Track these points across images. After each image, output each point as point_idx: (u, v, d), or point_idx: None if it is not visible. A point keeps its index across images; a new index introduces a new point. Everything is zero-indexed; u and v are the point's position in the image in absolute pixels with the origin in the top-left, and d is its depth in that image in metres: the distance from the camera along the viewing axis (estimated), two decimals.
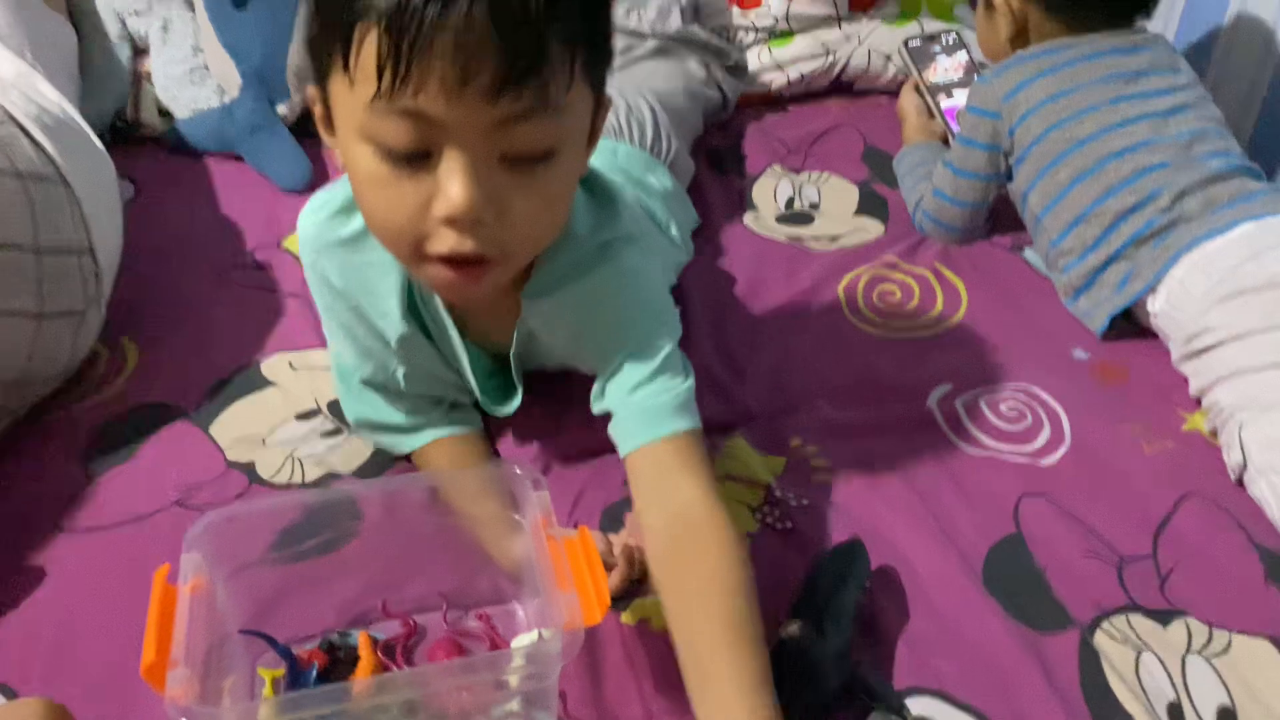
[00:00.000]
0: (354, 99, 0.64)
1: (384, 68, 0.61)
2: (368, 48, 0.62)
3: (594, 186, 0.84)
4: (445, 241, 0.67)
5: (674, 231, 1.14)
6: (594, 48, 0.68)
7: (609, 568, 0.82)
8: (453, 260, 0.69)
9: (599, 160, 0.87)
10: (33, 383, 0.97)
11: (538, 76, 0.62)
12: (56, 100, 1.06)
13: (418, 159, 0.64)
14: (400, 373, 0.89)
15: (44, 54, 1.15)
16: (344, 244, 0.81)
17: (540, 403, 0.98)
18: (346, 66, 0.63)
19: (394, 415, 0.92)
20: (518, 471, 0.77)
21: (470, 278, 0.71)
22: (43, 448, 0.96)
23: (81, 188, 1.00)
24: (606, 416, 0.82)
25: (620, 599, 0.83)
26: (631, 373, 0.80)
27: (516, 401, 0.93)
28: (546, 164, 0.67)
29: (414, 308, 0.85)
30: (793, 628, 0.76)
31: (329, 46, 0.65)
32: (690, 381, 0.80)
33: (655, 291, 0.85)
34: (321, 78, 0.68)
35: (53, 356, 0.97)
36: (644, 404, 0.79)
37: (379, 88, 0.62)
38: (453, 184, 0.64)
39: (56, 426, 0.98)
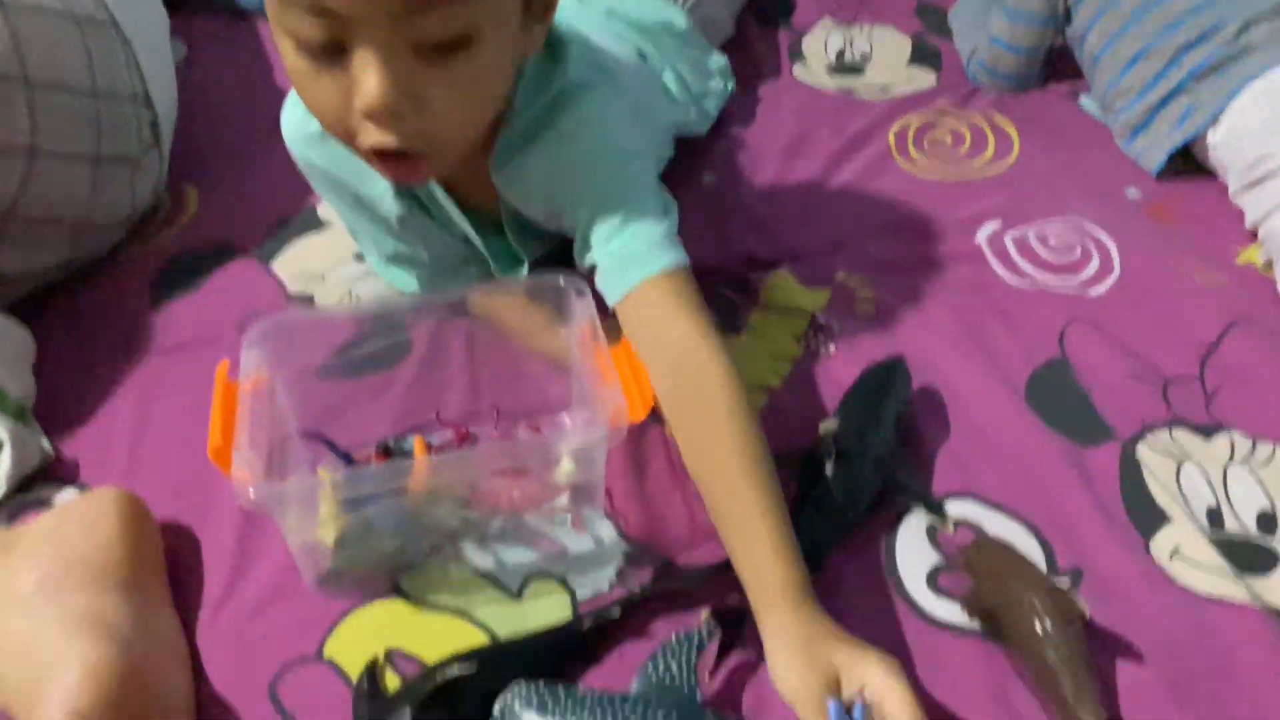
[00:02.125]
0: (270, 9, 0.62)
1: None
2: None
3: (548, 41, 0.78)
4: (370, 136, 0.65)
5: (671, 74, 1.09)
6: None
7: None
8: (382, 154, 0.66)
9: None
10: (95, 229, 1.00)
11: None
12: None
13: (333, 52, 0.61)
14: (417, 246, 0.89)
15: None
16: (324, 135, 0.74)
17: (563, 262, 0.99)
18: None
19: (422, 285, 0.93)
20: (561, 282, 0.78)
21: (405, 170, 0.69)
22: (112, 282, 1.00)
23: (136, 36, 1.02)
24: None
25: None
26: (605, 223, 0.76)
27: (527, 262, 0.92)
28: (465, 51, 0.62)
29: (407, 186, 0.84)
30: (830, 423, 0.77)
31: None
32: (670, 220, 0.77)
33: (618, 135, 0.79)
34: None
35: (112, 202, 0.99)
36: (621, 252, 0.76)
37: None
38: (365, 78, 0.61)
39: (124, 263, 1.02)
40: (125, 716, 0.59)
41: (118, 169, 0.98)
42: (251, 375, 0.71)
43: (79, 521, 0.70)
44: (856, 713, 0.58)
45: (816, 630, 0.63)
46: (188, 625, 0.71)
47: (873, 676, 0.59)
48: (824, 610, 0.64)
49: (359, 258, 1.03)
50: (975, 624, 0.70)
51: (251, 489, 0.63)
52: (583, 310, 0.76)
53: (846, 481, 0.75)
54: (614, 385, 0.70)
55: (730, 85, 1.21)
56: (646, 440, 0.83)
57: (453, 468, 0.70)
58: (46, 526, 0.71)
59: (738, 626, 0.68)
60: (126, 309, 0.97)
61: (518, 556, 0.75)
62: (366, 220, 0.88)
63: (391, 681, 0.67)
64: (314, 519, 0.71)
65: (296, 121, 0.83)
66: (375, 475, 0.68)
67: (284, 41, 0.63)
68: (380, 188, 0.83)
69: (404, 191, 0.84)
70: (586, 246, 0.78)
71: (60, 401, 0.87)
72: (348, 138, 0.66)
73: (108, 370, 0.90)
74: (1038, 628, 0.65)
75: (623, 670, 0.68)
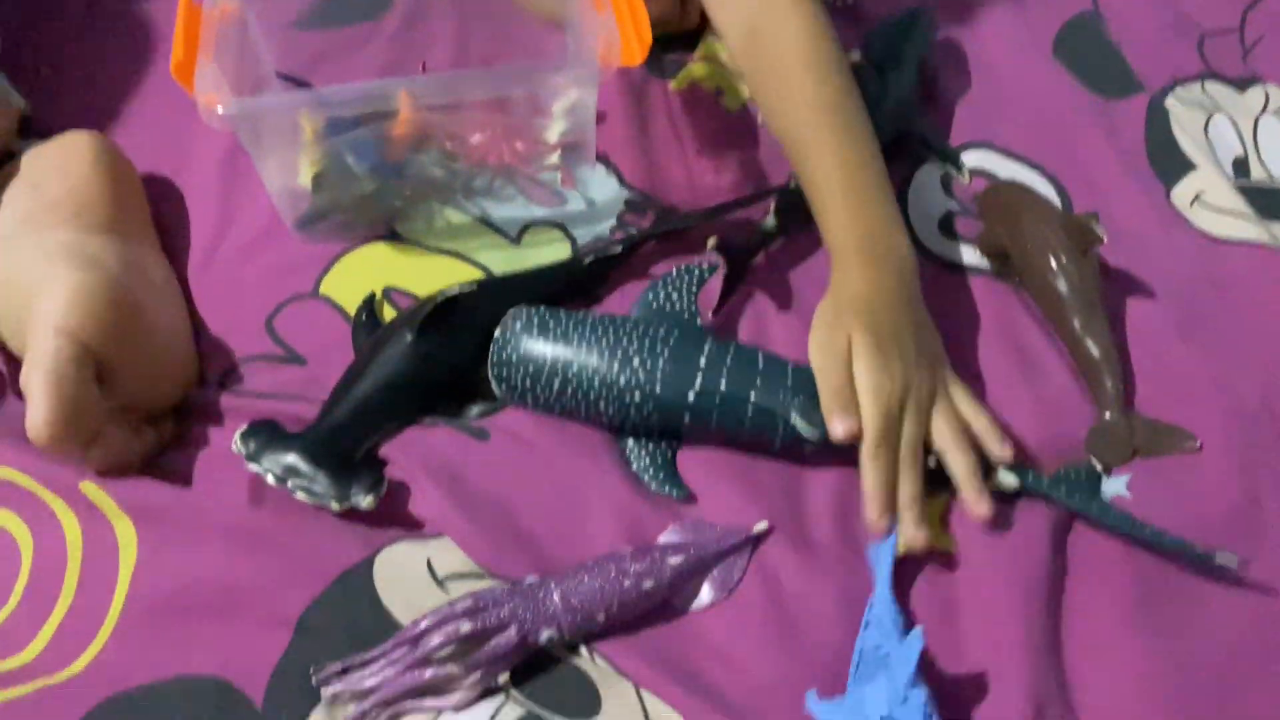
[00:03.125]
0: None
1: None
2: None
3: None
4: None
5: None
6: None
7: None
8: None
9: None
10: None
11: None
12: None
13: None
14: None
15: None
16: None
17: None
18: None
19: None
20: None
21: None
22: None
23: None
24: None
25: (671, 66, 0.80)
26: None
27: None
28: None
29: None
30: (853, 55, 0.73)
31: None
32: None
33: None
34: None
35: None
36: None
37: None
38: None
39: None
40: (116, 339, 0.57)
41: None
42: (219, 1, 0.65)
43: (53, 163, 0.67)
44: (888, 545, 0.55)
45: (876, 293, 0.59)
46: (180, 273, 0.69)
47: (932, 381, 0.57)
48: (911, 288, 0.61)
49: None
50: (986, 263, 0.68)
51: (220, 105, 0.58)
52: None
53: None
54: (607, 16, 0.65)
55: None
56: (648, 97, 0.78)
57: (435, 91, 0.65)
58: (19, 171, 0.67)
59: (743, 260, 0.66)
60: None
61: (510, 210, 0.72)
62: None
63: (389, 315, 0.66)
64: (292, 156, 0.67)
65: None
66: (358, 95, 0.63)
67: None
68: None
69: None
70: None
71: (21, 54, 0.81)
72: None
73: (69, 19, 0.84)
74: (1050, 260, 0.64)
75: (624, 308, 0.66)
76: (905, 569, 0.55)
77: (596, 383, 0.58)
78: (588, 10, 0.66)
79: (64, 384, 0.53)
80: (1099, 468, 0.59)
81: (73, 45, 0.82)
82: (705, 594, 0.54)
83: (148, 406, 0.60)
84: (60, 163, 0.66)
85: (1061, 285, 0.63)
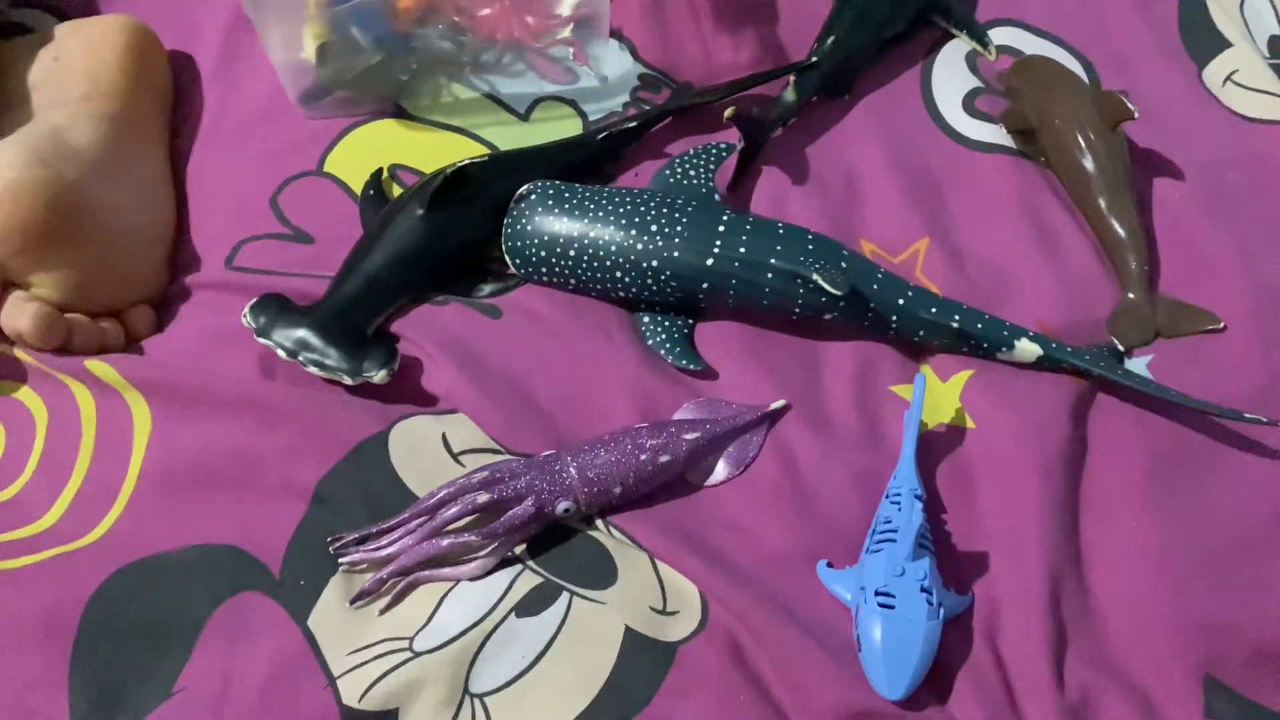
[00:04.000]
0: None
1: None
2: None
3: None
4: None
5: None
6: None
7: None
8: None
9: None
10: None
11: None
12: None
13: None
14: None
15: None
16: None
17: None
18: None
19: None
20: None
21: None
22: None
23: None
24: None
25: None
26: None
27: None
28: None
29: None
30: None
31: None
32: None
33: None
34: None
35: None
36: None
37: None
38: None
39: None
40: (49, 239, 0.55)
41: None
42: None
43: (83, 41, 0.64)
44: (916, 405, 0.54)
45: None
46: (185, 151, 0.67)
47: None
48: None
49: None
50: (1010, 142, 0.66)
51: None
52: None
53: None
54: None
55: None
56: None
57: None
58: (52, 39, 0.65)
59: (761, 134, 0.64)
60: None
61: (519, 85, 0.70)
62: None
63: (397, 192, 0.65)
64: (296, 27, 0.65)
65: None
66: None
67: None
68: None
69: None
70: None
71: None
72: None
73: None
74: (1079, 137, 0.62)
75: (640, 186, 0.65)
76: (926, 444, 0.54)
77: (614, 251, 0.57)
78: None
79: None
80: (1121, 348, 0.58)
81: None
82: (720, 470, 0.54)
83: (104, 305, 0.58)
84: (89, 42, 0.64)
85: (1088, 163, 0.62)
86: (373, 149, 0.66)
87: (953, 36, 0.72)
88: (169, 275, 0.62)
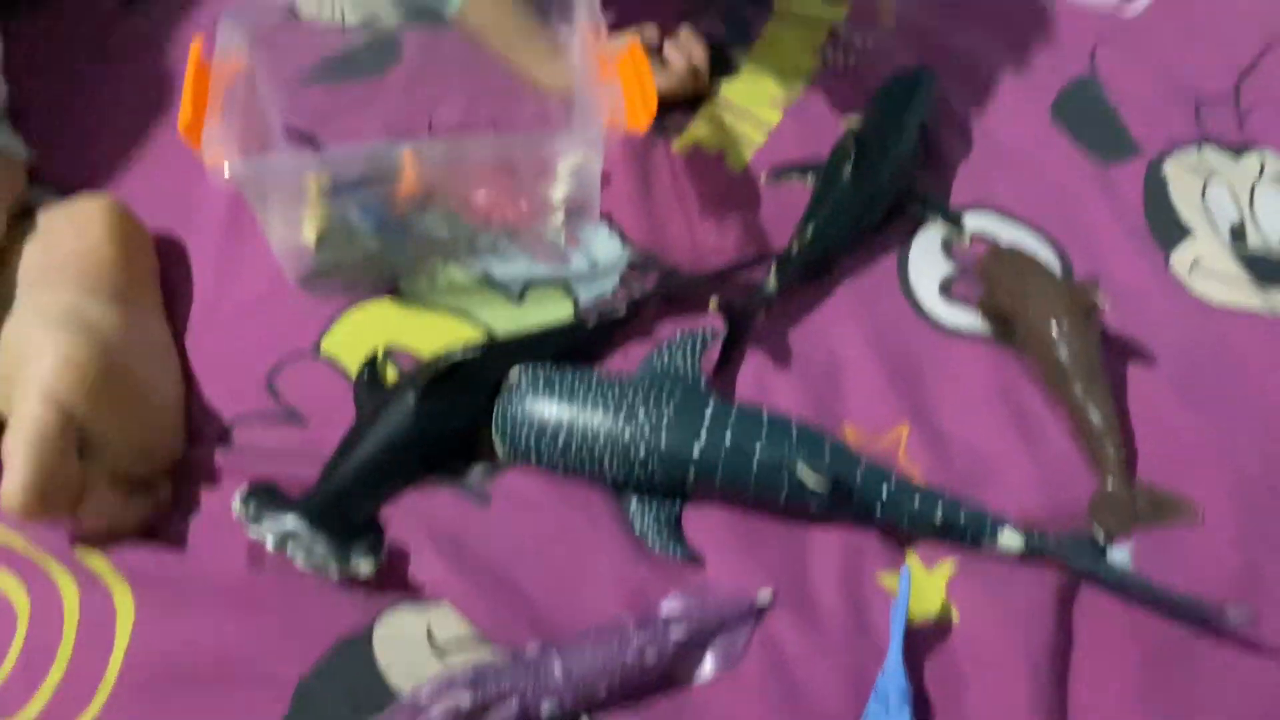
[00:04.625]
0: None
1: None
2: None
3: None
4: None
5: None
6: None
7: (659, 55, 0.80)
8: None
9: None
10: None
11: None
12: None
13: None
14: None
15: None
16: None
17: None
18: None
19: None
20: None
21: None
22: None
23: None
24: None
25: (674, 127, 0.80)
26: None
27: None
28: None
29: None
30: (854, 121, 0.74)
31: None
32: None
33: None
34: None
35: None
36: None
37: None
38: None
39: None
40: (105, 406, 0.56)
41: None
42: (230, 55, 0.66)
43: (68, 224, 0.67)
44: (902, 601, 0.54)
45: None
46: (179, 330, 0.69)
47: None
48: None
49: None
50: (986, 328, 0.68)
51: (226, 167, 0.59)
52: (585, 6, 0.70)
53: (865, 184, 0.72)
54: (614, 86, 0.65)
55: None
56: (651, 158, 0.79)
57: (440, 155, 0.65)
58: (34, 229, 0.67)
59: (745, 322, 0.66)
60: (95, 6, 0.89)
61: (513, 269, 0.72)
62: None
63: (391, 375, 0.66)
64: (296, 214, 0.67)
65: None
66: (363, 156, 0.64)
67: None
68: None
69: None
70: None
71: (31, 101, 0.81)
72: None
73: (78, 69, 0.84)
74: (1052, 328, 0.64)
75: (627, 368, 0.66)
76: (913, 640, 0.54)
77: (602, 438, 0.58)
78: (594, 78, 0.67)
79: (44, 455, 0.53)
80: (1101, 538, 0.59)
81: (82, 94, 0.82)
82: (708, 666, 0.54)
83: (138, 472, 0.59)
84: (74, 225, 0.66)
85: (1063, 352, 0.63)
86: (369, 330, 0.68)
87: (929, 221, 0.75)
88: (184, 437, 0.63)
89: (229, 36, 0.66)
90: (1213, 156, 0.79)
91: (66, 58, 0.85)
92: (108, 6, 0.89)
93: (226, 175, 0.59)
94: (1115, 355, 0.67)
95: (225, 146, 0.60)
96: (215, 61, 0.65)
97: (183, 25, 0.87)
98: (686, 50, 0.81)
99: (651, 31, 0.81)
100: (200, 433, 0.63)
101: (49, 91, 0.81)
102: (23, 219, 0.69)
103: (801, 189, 0.75)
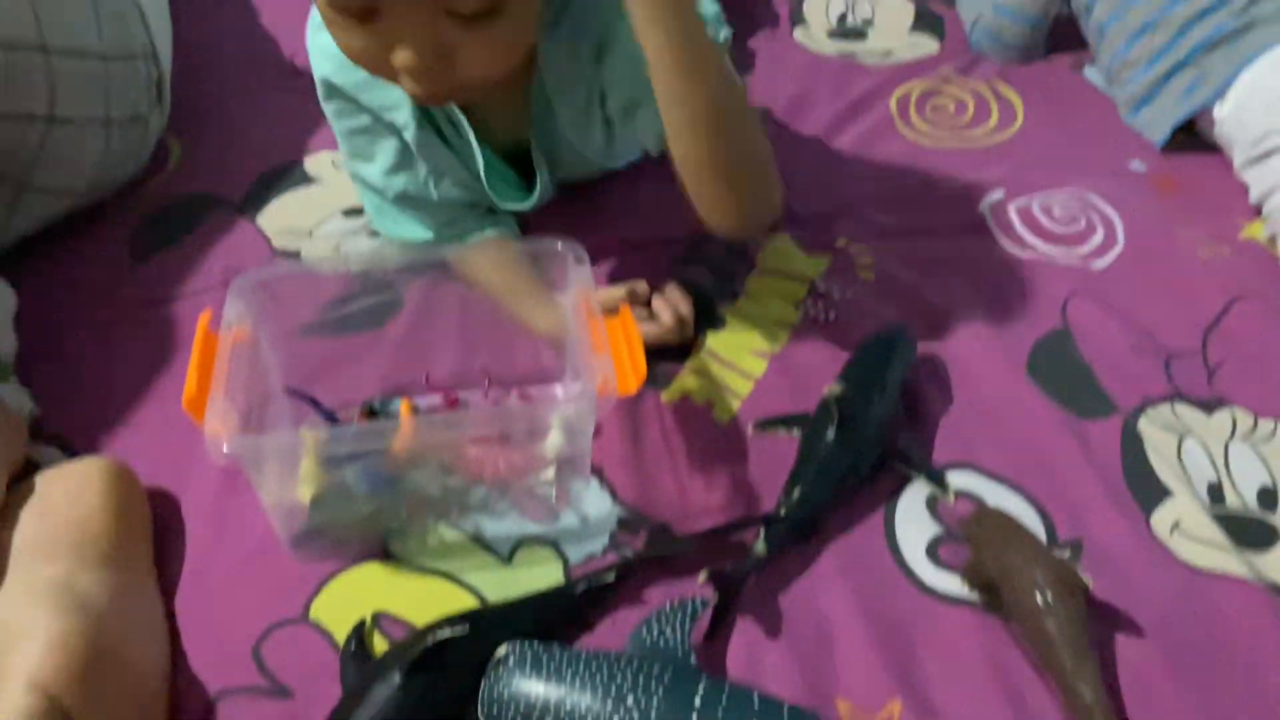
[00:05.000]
0: None
1: None
2: None
3: None
4: (406, 84, 0.70)
5: None
6: None
7: (645, 308, 0.85)
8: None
9: None
10: (104, 188, 0.97)
11: None
12: None
13: (368, 14, 0.66)
14: (429, 179, 0.87)
15: None
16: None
17: (574, 204, 0.97)
18: None
19: (427, 232, 0.90)
20: (559, 246, 0.76)
21: (442, 102, 0.77)
22: (92, 234, 0.97)
23: None
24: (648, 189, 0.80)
25: (663, 377, 0.83)
26: None
27: (538, 191, 0.90)
28: (492, 18, 0.67)
29: (427, 109, 0.83)
30: (836, 387, 0.76)
31: None
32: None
33: None
34: None
35: (121, 162, 0.97)
36: None
37: None
38: (401, 43, 0.66)
39: (104, 213, 0.99)
40: (94, 690, 0.56)
41: (128, 129, 0.96)
42: (234, 327, 0.69)
43: (64, 490, 0.68)
44: None
45: None
46: (169, 592, 0.69)
47: None
48: None
49: (348, 214, 1.00)
50: (974, 596, 0.69)
51: (225, 443, 0.60)
52: (580, 277, 0.74)
53: (848, 446, 0.73)
54: (605, 355, 0.68)
55: (725, 33, 1.18)
56: (640, 410, 0.81)
57: (438, 431, 0.67)
58: (31, 493, 0.68)
59: (734, 590, 0.67)
60: (107, 262, 0.94)
61: (503, 527, 0.73)
62: (380, 150, 0.86)
63: (379, 644, 0.66)
64: (292, 477, 0.69)
65: (322, 43, 0.81)
66: (359, 434, 0.66)
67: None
68: (402, 115, 0.83)
69: (424, 118, 0.84)
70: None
71: (39, 357, 0.84)
72: (379, 73, 0.71)
73: (87, 324, 0.87)
74: (1038, 599, 0.64)
75: (616, 636, 0.66)
76: None
77: None
78: (586, 351, 0.70)
79: None
80: None
81: (88, 349, 0.85)
82: None
83: None
84: (71, 491, 0.67)
85: (1050, 625, 0.64)
86: (358, 595, 0.68)
87: (913, 479, 0.76)
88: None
89: (235, 307, 0.69)
90: (1185, 413, 0.81)
91: (75, 311, 0.88)
92: (119, 260, 0.94)
93: (225, 451, 0.60)
94: (1102, 623, 0.67)
95: (227, 420, 0.62)
96: (221, 333, 0.67)
97: (191, 280, 0.92)
98: (673, 303, 0.84)
99: (642, 286, 0.85)
100: (184, 707, 0.62)
101: (55, 345, 0.84)
102: (23, 478, 0.70)
103: (788, 440, 0.77)
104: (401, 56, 0.67)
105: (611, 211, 0.98)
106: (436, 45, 0.67)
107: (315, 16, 0.82)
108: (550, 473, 0.75)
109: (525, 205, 0.91)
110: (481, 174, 0.87)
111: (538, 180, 0.90)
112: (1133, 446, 0.78)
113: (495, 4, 0.66)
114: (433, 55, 0.67)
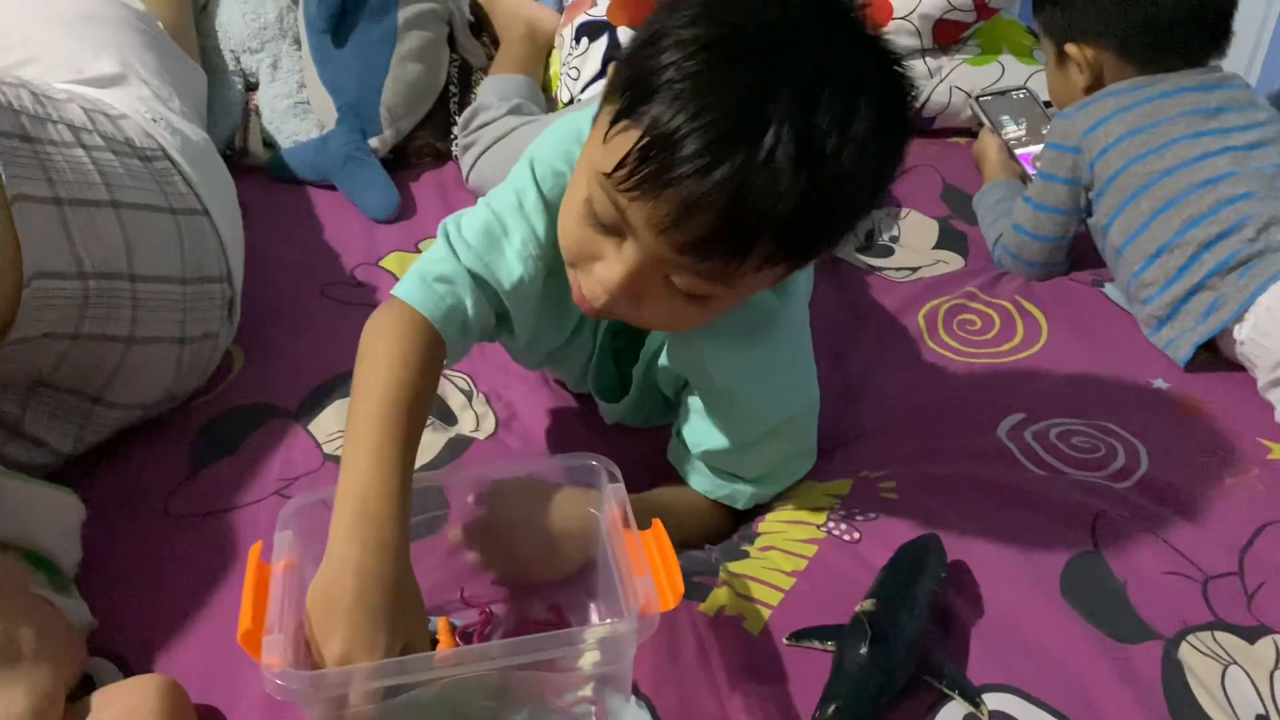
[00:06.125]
0: (595, 152, 0.70)
1: (620, 166, 0.66)
2: (623, 138, 0.66)
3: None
4: (585, 286, 0.75)
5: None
6: (800, 260, 0.74)
7: None
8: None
9: None
10: (172, 400, 1.03)
11: (728, 265, 0.68)
12: (196, 130, 1.12)
13: (614, 229, 0.71)
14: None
15: (184, 93, 1.22)
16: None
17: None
18: (607, 130, 0.68)
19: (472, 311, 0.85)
20: (594, 463, 0.79)
21: (600, 316, 0.80)
22: (152, 442, 1.01)
23: (220, 217, 1.06)
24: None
25: (698, 592, 0.84)
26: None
27: (632, 394, 0.95)
28: (697, 300, 0.73)
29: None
30: (868, 604, 0.77)
31: (611, 98, 0.69)
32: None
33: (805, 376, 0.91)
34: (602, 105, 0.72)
35: (191, 376, 1.03)
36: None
37: (610, 172, 0.67)
38: (612, 270, 0.72)
39: (166, 422, 1.03)
40: None
41: (200, 344, 1.02)
42: (284, 556, 0.71)
43: (119, 712, 0.70)
44: None
45: None
46: None
47: None
48: None
49: None
50: None
51: (279, 678, 0.62)
52: (615, 494, 0.76)
53: (882, 663, 0.73)
54: (645, 575, 0.70)
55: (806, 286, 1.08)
56: (677, 625, 0.82)
57: (476, 660, 0.68)
58: (88, 713, 0.70)
59: None
60: (166, 471, 0.97)
61: None
62: (519, 235, 0.84)
63: None
64: (339, 708, 0.70)
65: (557, 164, 0.84)
66: (401, 665, 0.67)
67: (580, 180, 0.73)
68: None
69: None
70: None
71: (98, 567, 0.86)
72: (575, 265, 0.76)
73: (145, 535, 0.90)
74: None
75: None
76: None
77: None
78: (624, 565, 0.71)
79: None
80: None
81: (147, 560, 0.87)
82: None
83: None
84: (127, 711, 0.68)
85: None
86: None
87: (950, 697, 0.76)
88: None
89: (284, 537, 0.72)
90: (1227, 640, 0.80)
91: (133, 521, 0.91)
92: (177, 469, 0.97)
93: (280, 684, 0.62)
94: None
95: (280, 653, 0.64)
96: (273, 564, 0.70)
97: (246, 489, 0.95)
98: None
99: None
100: None
101: (112, 554, 0.87)
102: (78, 695, 0.71)
103: (822, 653, 0.77)
104: (603, 280, 0.72)
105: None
106: (637, 291, 0.72)
107: (580, 135, 0.80)
108: (588, 690, 0.75)
109: (615, 404, 0.96)
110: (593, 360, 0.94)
111: (632, 384, 0.95)
112: (1174, 676, 0.78)
113: (710, 293, 0.72)
114: (627, 298, 0.73)
